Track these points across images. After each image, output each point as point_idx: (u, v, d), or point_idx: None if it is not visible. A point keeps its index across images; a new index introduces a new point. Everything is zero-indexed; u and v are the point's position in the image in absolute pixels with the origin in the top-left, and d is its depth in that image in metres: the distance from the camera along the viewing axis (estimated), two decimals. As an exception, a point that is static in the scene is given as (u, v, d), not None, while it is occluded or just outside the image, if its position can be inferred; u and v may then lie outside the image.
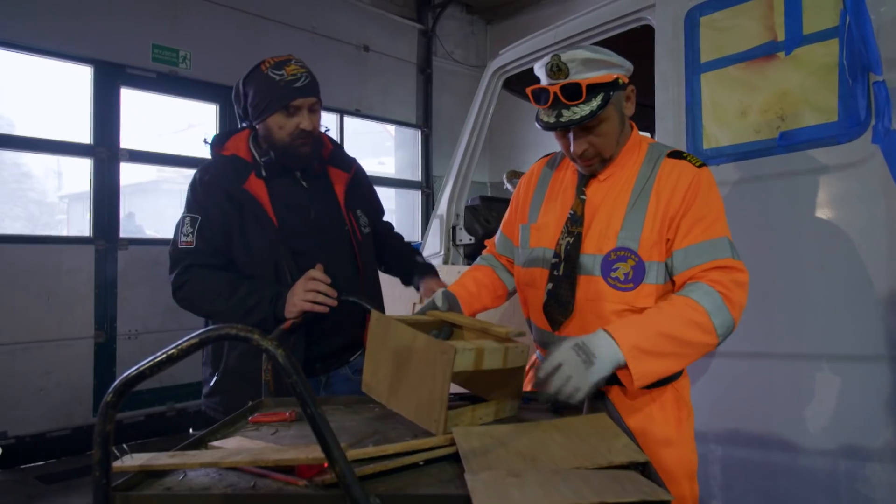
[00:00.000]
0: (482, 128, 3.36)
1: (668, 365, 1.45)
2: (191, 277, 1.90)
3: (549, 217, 1.75)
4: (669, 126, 2.32)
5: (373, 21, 7.06)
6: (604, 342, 1.39)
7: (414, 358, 1.31)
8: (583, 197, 1.67)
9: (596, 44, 2.70)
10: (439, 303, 1.78)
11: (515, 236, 1.88)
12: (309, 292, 1.83)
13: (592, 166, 1.65)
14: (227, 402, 1.91)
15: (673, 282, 1.58)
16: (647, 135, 1.85)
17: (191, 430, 5.21)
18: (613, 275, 1.58)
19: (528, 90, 1.62)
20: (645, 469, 0.99)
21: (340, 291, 1.88)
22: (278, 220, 1.93)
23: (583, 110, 1.53)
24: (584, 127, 1.57)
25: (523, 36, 3.16)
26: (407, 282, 2.29)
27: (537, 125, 1.63)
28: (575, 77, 1.53)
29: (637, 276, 1.56)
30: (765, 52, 2.10)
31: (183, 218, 1.94)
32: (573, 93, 1.53)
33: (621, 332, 1.41)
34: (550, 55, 1.57)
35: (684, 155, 1.63)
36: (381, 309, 2.05)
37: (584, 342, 1.39)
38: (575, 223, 1.65)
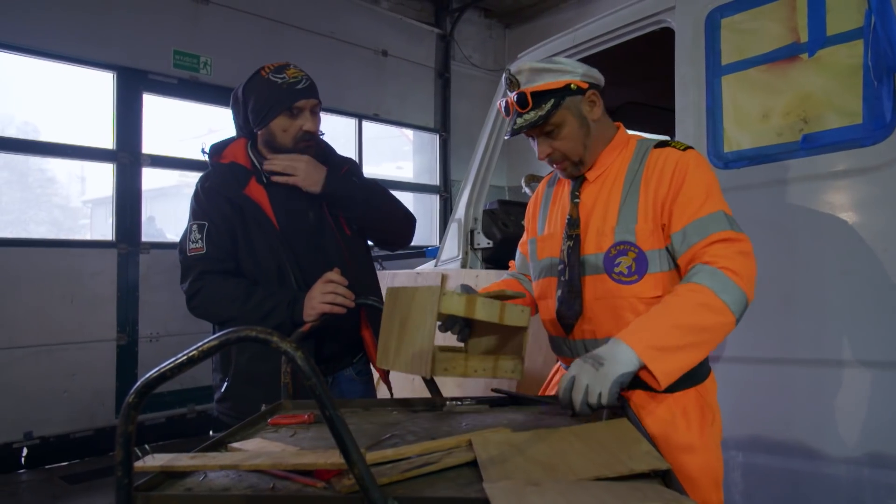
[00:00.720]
0: (500, 132, 3.35)
1: (690, 356, 1.42)
2: (205, 285, 1.92)
3: (552, 227, 1.79)
4: (690, 130, 2.30)
5: (391, 26, 7.09)
6: (614, 347, 1.38)
7: (412, 312, 1.38)
8: (576, 200, 1.71)
9: (615, 47, 2.71)
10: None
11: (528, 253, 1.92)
12: (327, 294, 1.84)
13: (566, 170, 1.72)
14: (239, 406, 1.93)
15: (678, 267, 1.58)
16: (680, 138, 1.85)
17: (210, 433, 5.25)
18: (617, 269, 1.60)
19: (499, 104, 1.73)
20: (666, 476, 0.98)
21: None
22: (279, 223, 1.96)
23: (532, 116, 1.62)
24: (545, 132, 1.66)
25: (542, 40, 3.15)
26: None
27: (504, 137, 1.70)
28: (524, 87, 1.63)
29: (640, 267, 1.58)
30: (787, 54, 2.08)
31: (189, 226, 1.96)
32: (522, 102, 1.63)
33: (632, 335, 1.39)
34: (504, 70, 1.68)
35: (670, 143, 1.66)
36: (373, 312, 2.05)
37: (594, 352, 1.39)
38: (573, 226, 1.69)
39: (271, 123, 1.94)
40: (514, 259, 2.12)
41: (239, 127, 2.06)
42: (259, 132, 1.98)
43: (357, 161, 2.25)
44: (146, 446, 1.11)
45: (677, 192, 1.56)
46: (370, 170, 7.05)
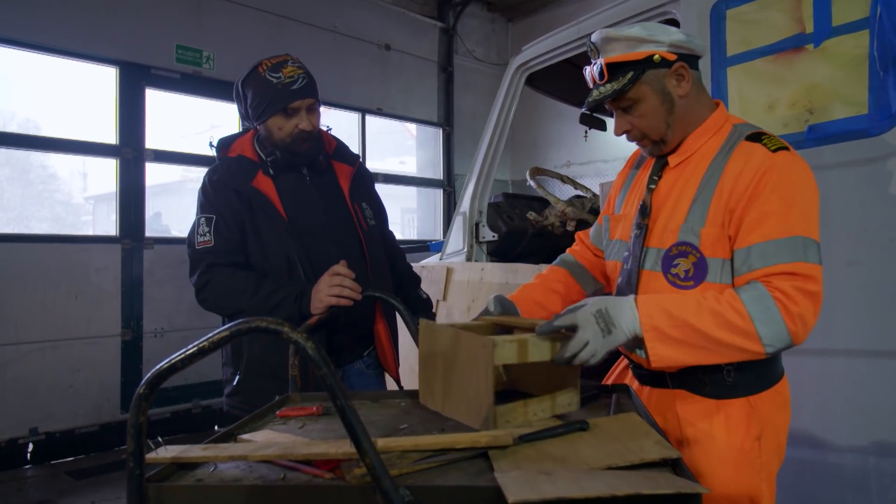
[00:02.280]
0: (505, 124, 3.35)
1: (693, 355, 1.34)
2: (213, 277, 1.93)
3: (627, 209, 1.68)
4: (695, 121, 2.30)
5: (394, 20, 7.07)
6: (628, 313, 1.33)
7: (459, 358, 1.30)
8: (651, 186, 1.59)
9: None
10: (492, 308, 1.65)
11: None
12: (334, 287, 1.85)
13: (646, 148, 1.59)
14: (251, 400, 1.91)
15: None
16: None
17: (216, 427, 5.27)
18: (674, 271, 1.47)
19: (584, 71, 1.60)
20: (676, 465, 0.98)
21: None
22: (288, 215, 1.96)
23: (607, 90, 1.49)
24: (622, 107, 1.52)
25: (544, 33, 3.15)
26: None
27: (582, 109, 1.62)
28: (604, 56, 1.49)
29: (699, 273, 1.44)
30: (793, 45, 2.07)
31: (197, 220, 1.97)
32: (599, 73, 1.50)
33: (648, 308, 1.34)
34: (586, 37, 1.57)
35: (762, 138, 1.45)
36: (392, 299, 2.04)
37: (607, 309, 1.33)
38: (644, 215, 1.57)
39: (267, 121, 1.95)
40: (518, 256, 2.09)
41: (242, 117, 2.07)
42: (259, 127, 2.00)
43: (360, 156, 2.25)
44: (159, 438, 1.11)
45: (751, 201, 1.38)
46: (373, 164, 7.05)
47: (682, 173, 1.53)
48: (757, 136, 1.46)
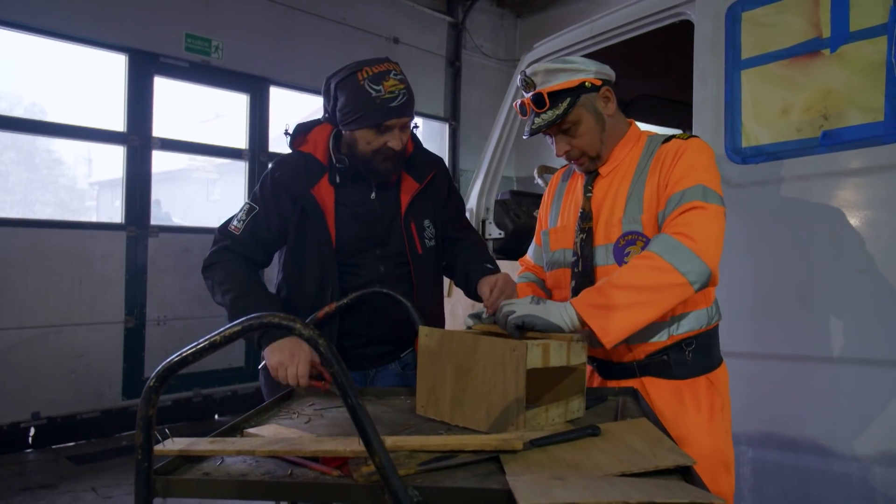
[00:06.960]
0: (514, 122, 3.34)
1: (635, 315, 1.45)
2: (221, 261, 1.85)
3: (565, 220, 1.84)
4: (708, 124, 2.28)
5: (403, 13, 7.04)
6: (558, 303, 1.46)
7: (478, 364, 1.27)
8: (588, 194, 1.76)
9: (632, 39, 2.69)
10: (471, 323, 1.69)
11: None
12: (291, 377, 1.60)
13: (584, 165, 1.76)
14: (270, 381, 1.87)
15: None
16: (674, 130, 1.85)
17: (216, 417, 5.27)
18: (627, 259, 1.64)
19: (515, 105, 1.78)
20: (688, 473, 0.98)
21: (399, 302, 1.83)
22: (338, 233, 1.87)
23: (549, 116, 1.68)
24: (562, 130, 1.71)
25: (553, 30, 3.13)
26: (470, 291, 1.97)
27: (523, 136, 1.76)
28: (540, 87, 1.69)
29: None
30: (809, 49, 2.06)
31: (246, 203, 1.92)
32: (539, 102, 1.68)
33: (577, 298, 1.48)
34: (520, 72, 1.74)
35: (676, 135, 1.72)
36: (436, 322, 1.95)
37: (542, 299, 1.48)
38: (585, 220, 1.74)
39: (356, 132, 1.81)
40: (524, 253, 2.11)
41: (326, 111, 1.92)
42: (344, 132, 1.86)
43: (439, 161, 2.09)
44: (166, 430, 1.11)
45: (671, 169, 1.62)
46: (379, 158, 7.02)
47: (614, 179, 1.74)
48: (670, 137, 1.71)
